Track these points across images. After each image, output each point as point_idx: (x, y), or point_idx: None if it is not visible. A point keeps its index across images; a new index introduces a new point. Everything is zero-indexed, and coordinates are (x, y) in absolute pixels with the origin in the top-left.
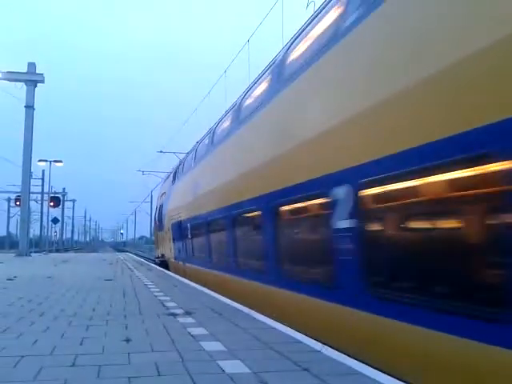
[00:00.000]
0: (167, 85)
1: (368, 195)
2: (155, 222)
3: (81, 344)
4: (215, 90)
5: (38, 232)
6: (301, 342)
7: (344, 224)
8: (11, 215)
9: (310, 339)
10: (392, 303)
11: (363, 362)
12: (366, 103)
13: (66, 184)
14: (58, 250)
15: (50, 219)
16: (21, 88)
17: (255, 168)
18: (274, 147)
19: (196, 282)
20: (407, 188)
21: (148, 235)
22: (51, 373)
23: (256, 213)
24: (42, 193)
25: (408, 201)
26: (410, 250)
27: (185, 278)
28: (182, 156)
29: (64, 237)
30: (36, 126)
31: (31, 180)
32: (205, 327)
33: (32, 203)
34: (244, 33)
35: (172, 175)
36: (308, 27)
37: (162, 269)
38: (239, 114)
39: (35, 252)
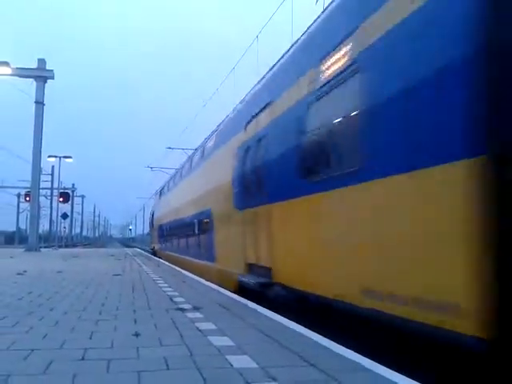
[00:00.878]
0: (178, 79)
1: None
2: (150, 225)
3: (90, 338)
4: (224, 85)
5: (47, 227)
6: (309, 338)
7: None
8: (21, 210)
9: (318, 335)
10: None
11: (372, 359)
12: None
13: (76, 180)
14: (66, 246)
15: (59, 215)
16: (31, 84)
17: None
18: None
19: (168, 262)
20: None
21: None
22: (61, 366)
23: (187, 223)
24: (52, 188)
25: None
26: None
27: (163, 260)
28: (190, 152)
29: (73, 232)
30: (46, 121)
31: (41, 176)
32: (213, 322)
33: (42, 199)
34: (254, 27)
35: (159, 193)
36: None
37: (169, 265)
38: (181, 173)
39: (44, 247)
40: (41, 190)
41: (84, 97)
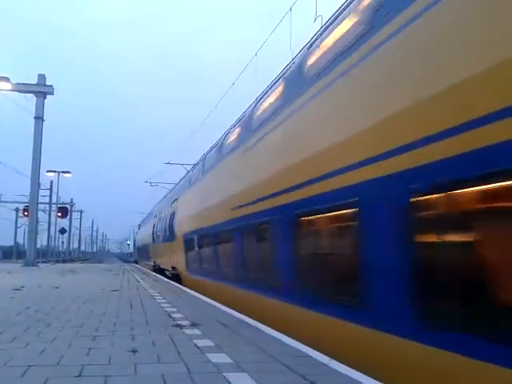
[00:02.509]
0: (176, 97)
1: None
2: (135, 246)
3: (87, 354)
4: (223, 102)
5: (45, 242)
6: (307, 356)
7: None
8: (19, 225)
9: (317, 352)
10: None
11: (371, 376)
12: None
13: (74, 195)
14: (64, 261)
15: (57, 229)
16: (30, 99)
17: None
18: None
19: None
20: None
21: None
22: (58, 383)
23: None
24: (50, 203)
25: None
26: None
27: (143, 267)
28: (188, 167)
29: (71, 247)
30: (45, 137)
31: (39, 190)
32: (211, 339)
33: (40, 213)
34: (252, 46)
35: (138, 226)
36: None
37: (169, 280)
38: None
39: (42, 262)
40: (39, 205)
41: (83, 113)
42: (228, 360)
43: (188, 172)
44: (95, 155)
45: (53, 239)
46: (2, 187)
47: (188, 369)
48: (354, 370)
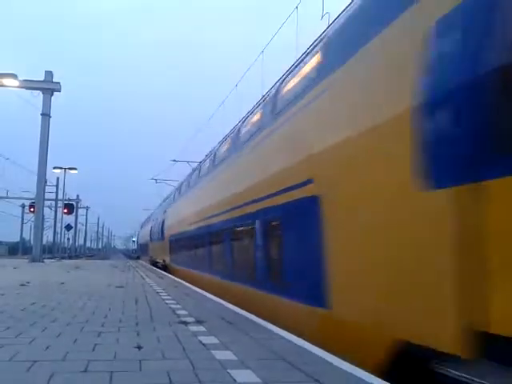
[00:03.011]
0: (183, 94)
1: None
2: (137, 243)
3: (93, 350)
4: (229, 100)
5: (51, 238)
6: (312, 353)
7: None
8: (25, 221)
9: (322, 350)
10: None
11: (376, 375)
12: None
13: (80, 191)
14: (70, 257)
15: (63, 226)
16: (37, 96)
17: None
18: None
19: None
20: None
21: None
22: (63, 378)
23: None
24: (56, 199)
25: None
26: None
27: (144, 262)
28: (194, 165)
29: (77, 243)
30: (52, 133)
31: (46, 187)
32: (216, 336)
33: (46, 210)
34: (259, 43)
35: (140, 226)
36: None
37: (174, 277)
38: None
39: (48, 258)
40: (45, 201)
41: (90, 109)
42: (233, 357)
43: (175, 188)
44: (101, 152)
45: (59, 235)
46: (8, 183)
47: (193, 365)
48: (358, 368)
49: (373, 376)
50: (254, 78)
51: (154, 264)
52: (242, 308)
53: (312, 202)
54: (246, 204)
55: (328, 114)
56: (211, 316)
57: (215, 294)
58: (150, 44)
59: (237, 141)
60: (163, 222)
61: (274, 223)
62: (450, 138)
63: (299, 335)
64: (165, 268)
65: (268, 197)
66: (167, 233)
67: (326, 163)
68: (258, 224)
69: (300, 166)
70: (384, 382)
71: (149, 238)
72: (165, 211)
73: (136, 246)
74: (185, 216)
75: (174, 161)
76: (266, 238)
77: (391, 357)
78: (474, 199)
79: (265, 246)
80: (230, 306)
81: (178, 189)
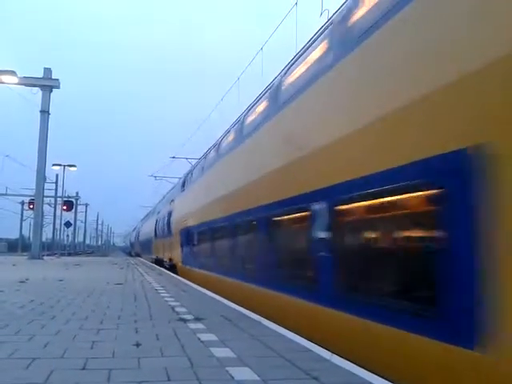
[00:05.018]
0: (182, 91)
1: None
2: (137, 239)
3: (91, 348)
4: (228, 96)
5: (50, 235)
6: (310, 351)
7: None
8: (24, 218)
9: (320, 348)
10: None
11: (374, 372)
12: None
13: (80, 188)
14: (69, 254)
15: (62, 223)
16: (36, 93)
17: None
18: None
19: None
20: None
21: None
22: (62, 376)
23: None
24: (56, 197)
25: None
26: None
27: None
28: (193, 162)
29: (76, 240)
30: (51, 130)
31: (45, 184)
32: (215, 333)
33: (45, 206)
34: (258, 40)
35: (141, 222)
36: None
37: (172, 274)
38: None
39: (47, 255)
40: (44, 198)
41: (89, 106)
42: (231, 354)
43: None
44: (101, 149)
45: (58, 232)
46: (7, 180)
47: (191, 363)
48: (356, 366)
49: (371, 374)
50: (254, 75)
51: (159, 263)
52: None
53: None
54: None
55: None
56: (210, 313)
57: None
58: (148, 42)
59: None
60: (170, 214)
61: None
62: None
63: None
64: (173, 269)
65: None
66: (176, 226)
67: None
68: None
69: None
70: (381, 378)
71: (153, 233)
72: (172, 201)
73: (131, 243)
74: (203, 203)
75: (174, 157)
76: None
77: None
78: None
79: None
80: (230, 303)
81: (190, 172)
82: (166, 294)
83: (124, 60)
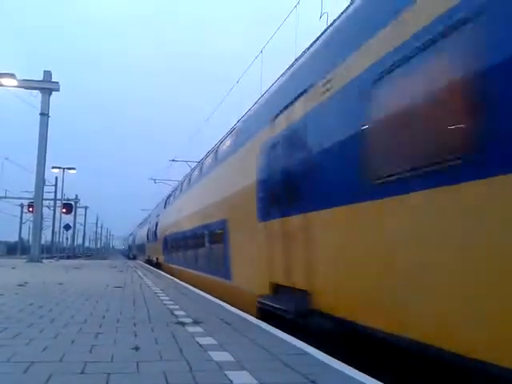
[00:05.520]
0: (181, 94)
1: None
2: (133, 243)
3: (90, 351)
4: (228, 100)
5: (49, 238)
6: (309, 354)
7: None
8: (23, 221)
9: (319, 351)
10: None
11: (373, 376)
12: None
13: (79, 191)
14: (69, 257)
15: (62, 225)
16: (36, 96)
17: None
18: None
19: (142, 260)
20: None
21: None
22: (61, 380)
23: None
24: (55, 199)
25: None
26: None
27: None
28: (193, 165)
29: (75, 243)
30: (50, 133)
31: (44, 186)
32: (213, 337)
33: (44, 209)
34: (257, 43)
35: (137, 227)
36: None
37: (171, 277)
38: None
39: (46, 258)
40: (44, 201)
41: (88, 109)
42: (230, 358)
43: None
44: (100, 151)
45: (57, 235)
46: (7, 183)
47: (190, 367)
48: (355, 370)
49: (370, 378)
50: (253, 77)
51: (149, 262)
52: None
53: None
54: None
55: None
56: (209, 316)
57: (188, 283)
58: (148, 45)
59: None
60: (157, 225)
61: None
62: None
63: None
64: (158, 265)
65: None
66: (160, 234)
67: None
68: None
69: None
70: (379, 382)
71: (145, 238)
72: (158, 215)
73: (129, 246)
74: (172, 220)
75: (173, 160)
76: None
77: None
78: None
79: None
80: (228, 306)
81: (168, 196)
82: (165, 297)
83: (125, 62)
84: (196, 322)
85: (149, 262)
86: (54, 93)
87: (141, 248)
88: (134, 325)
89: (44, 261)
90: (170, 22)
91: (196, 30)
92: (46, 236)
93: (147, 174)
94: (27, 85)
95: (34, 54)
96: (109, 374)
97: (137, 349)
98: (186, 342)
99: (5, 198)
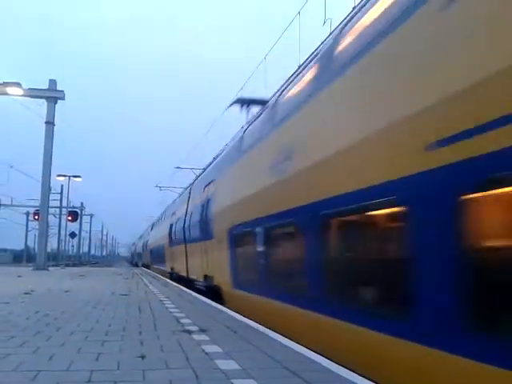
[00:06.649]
0: (186, 100)
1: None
2: (144, 248)
3: (96, 360)
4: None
5: (55, 246)
6: (315, 362)
7: None
8: (29, 229)
9: (324, 358)
10: None
11: (376, 382)
12: None
13: (84, 199)
14: (74, 264)
15: (67, 233)
16: (42, 104)
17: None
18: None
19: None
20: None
21: None
22: None
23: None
24: (61, 207)
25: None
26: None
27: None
28: (198, 172)
29: (81, 251)
30: (56, 141)
31: (50, 194)
32: (219, 345)
33: (50, 217)
34: (261, 50)
35: (151, 227)
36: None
37: (177, 284)
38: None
39: (52, 266)
40: (50, 209)
41: (93, 116)
42: (236, 366)
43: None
44: (105, 159)
45: (63, 243)
46: (13, 191)
47: (196, 375)
48: (360, 377)
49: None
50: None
51: (179, 280)
52: None
53: None
54: None
55: None
56: (215, 324)
57: None
58: (151, 52)
59: None
60: (207, 204)
61: None
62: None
63: None
64: (210, 293)
65: None
66: (219, 226)
67: None
68: None
69: None
70: None
71: (167, 240)
72: (208, 184)
73: (134, 251)
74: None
75: (178, 168)
76: None
77: None
78: None
79: None
80: (233, 313)
81: (152, 224)
82: (170, 305)
83: (129, 68)
84: (202, 330)
85: (144, 266)
86: (59, 101)
87: (139, 256)
88: (140, 333)
89: (50, 269)
90: (177, 23)
91: (197, 36)
92: (52, 244)
93: (153, 181)
94: (33, 94)
95: (34, 62)
96: (115, 382)
97: (143, 357)
98: (192, 350)
99: (11, 206)
